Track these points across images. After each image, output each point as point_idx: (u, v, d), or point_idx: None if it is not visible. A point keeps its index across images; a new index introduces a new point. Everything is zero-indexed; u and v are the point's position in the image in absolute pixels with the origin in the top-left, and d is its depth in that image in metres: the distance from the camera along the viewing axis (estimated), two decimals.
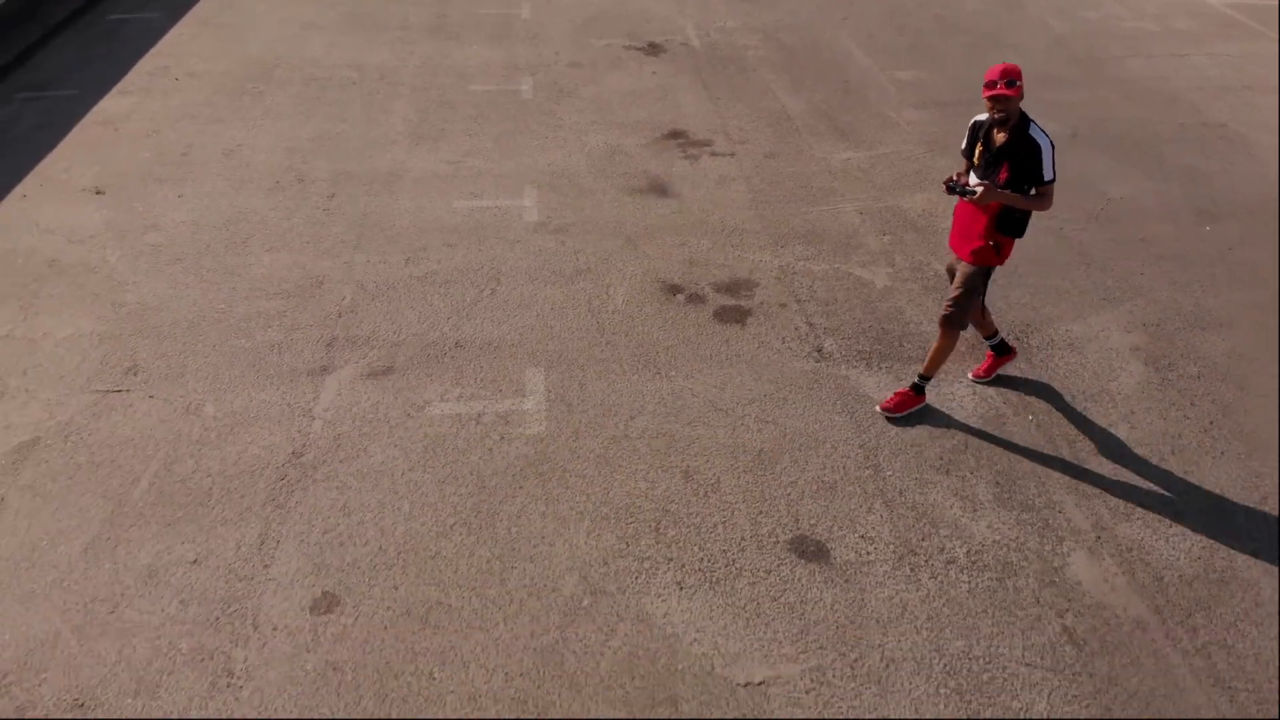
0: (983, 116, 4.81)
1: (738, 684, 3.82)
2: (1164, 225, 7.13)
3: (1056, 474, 4.88)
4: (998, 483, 4.81)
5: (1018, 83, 4.55)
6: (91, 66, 9.35)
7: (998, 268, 4.97)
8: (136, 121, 8.30)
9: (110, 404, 5.13)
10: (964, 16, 11.29)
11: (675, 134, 8.28)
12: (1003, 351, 5.46)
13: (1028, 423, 5.20)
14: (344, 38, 10.22)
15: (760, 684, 3.82)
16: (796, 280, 6.35)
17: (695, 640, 3.98)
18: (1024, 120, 4.64)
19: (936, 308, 5.94)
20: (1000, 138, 4.69)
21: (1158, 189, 7.63)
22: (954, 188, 4.71)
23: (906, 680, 3.86)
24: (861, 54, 10.14)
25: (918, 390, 5.18)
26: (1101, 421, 5.22)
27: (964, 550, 4.44)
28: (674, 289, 6.22)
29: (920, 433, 5.10)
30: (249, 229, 6.76)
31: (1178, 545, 4.50)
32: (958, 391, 5.42)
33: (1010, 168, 4.66)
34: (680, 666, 3.88)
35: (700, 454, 4.91)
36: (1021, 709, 3.76)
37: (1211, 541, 4.52)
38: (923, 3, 11.74)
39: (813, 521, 4.54)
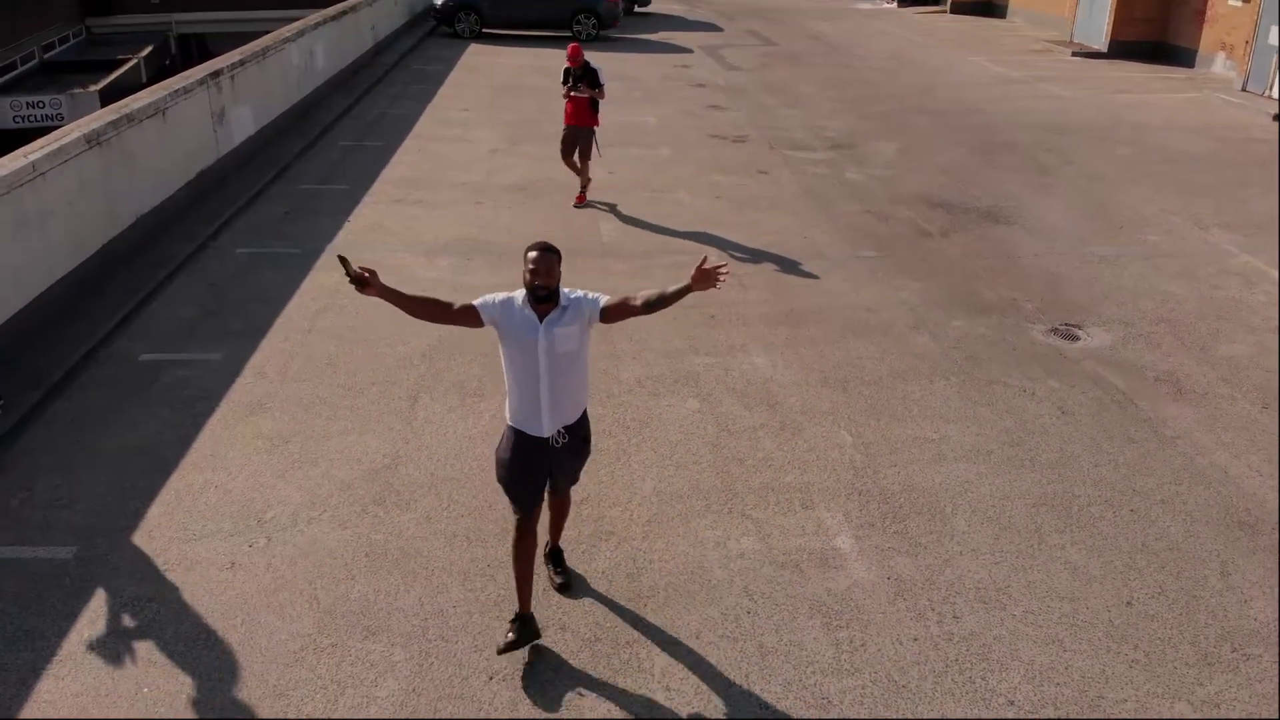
0: (569, 66, 11.15)
1: None
2: (933, 129, 16.26)
3: (850, 166, 13.78)
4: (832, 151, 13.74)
5: (580, 57, 11.12)
6: (425, 78, 19.00)
7: (597, 128, 11.64)
8: (462, 95, 17.80)
9: (516, 146, 14.25)
10: (870, 79, 20.91)
11: (716, 107, 17.62)
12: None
13: (848, 156, 14.17)
14: (543, 79, 19.87)
15: None
16: (767, 135, 15.47)
17: None
18: (587, 62, 11.12)
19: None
20: (578, 70, 11.09)
21: (937, 123, 16.79)
22: (570, 91, 11.17)
23: None
24: (808, 88, 19.66)
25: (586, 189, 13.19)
26: (877, 160, 14.17)
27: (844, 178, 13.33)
28: (718, 136, 15.33)
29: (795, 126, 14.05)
30: (541, 120, 16.02)
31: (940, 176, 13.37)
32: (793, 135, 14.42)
33: (588, 81, 11.11)
34: None
35: (722, 155, 13.91)
36: None
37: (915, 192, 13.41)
38: (850, 74, 21.41)
39: (727, 165, 13.50)
